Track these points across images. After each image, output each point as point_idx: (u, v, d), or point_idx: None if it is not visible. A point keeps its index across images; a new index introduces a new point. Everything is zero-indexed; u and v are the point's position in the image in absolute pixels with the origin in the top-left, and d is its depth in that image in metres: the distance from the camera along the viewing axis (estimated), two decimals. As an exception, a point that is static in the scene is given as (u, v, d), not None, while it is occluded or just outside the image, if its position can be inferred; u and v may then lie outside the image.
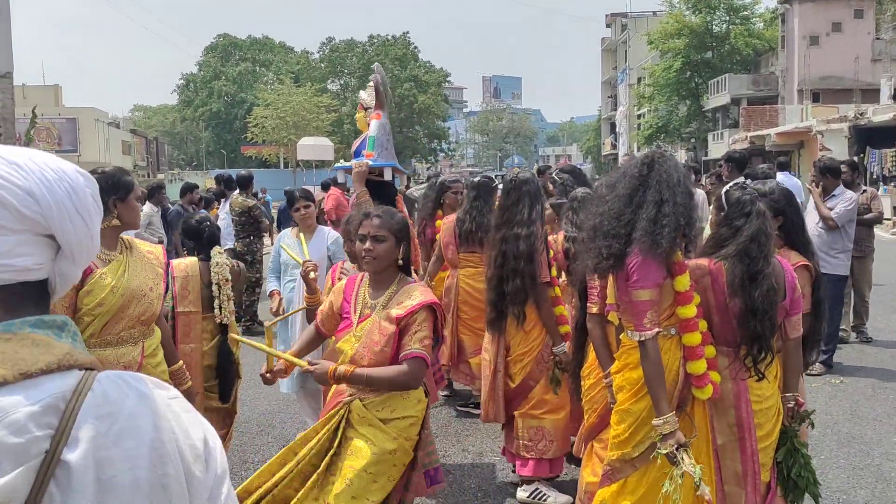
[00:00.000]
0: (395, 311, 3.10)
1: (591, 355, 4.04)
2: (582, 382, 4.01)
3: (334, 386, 3.28)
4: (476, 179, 6.03)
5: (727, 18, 48.36)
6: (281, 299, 5.44)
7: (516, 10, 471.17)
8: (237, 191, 10.02)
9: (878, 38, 42.27)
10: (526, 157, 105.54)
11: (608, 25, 74.83)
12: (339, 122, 55.59)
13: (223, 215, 10.43)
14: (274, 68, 67.03)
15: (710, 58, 48.30)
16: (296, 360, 3.22)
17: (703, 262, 3.26)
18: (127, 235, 3.48)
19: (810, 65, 41.64)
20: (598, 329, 3.72)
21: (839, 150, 29.04)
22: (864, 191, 8.34)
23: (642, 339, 3.08)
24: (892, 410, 6.10)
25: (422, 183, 15.04)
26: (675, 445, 2.98)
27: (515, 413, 4.62)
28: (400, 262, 3.23)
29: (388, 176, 4.84)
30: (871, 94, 37.70)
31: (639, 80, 60.30)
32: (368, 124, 5.00)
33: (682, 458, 2.96)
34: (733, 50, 47.97)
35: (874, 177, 25.74)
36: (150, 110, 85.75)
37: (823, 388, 6.65)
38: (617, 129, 68.72)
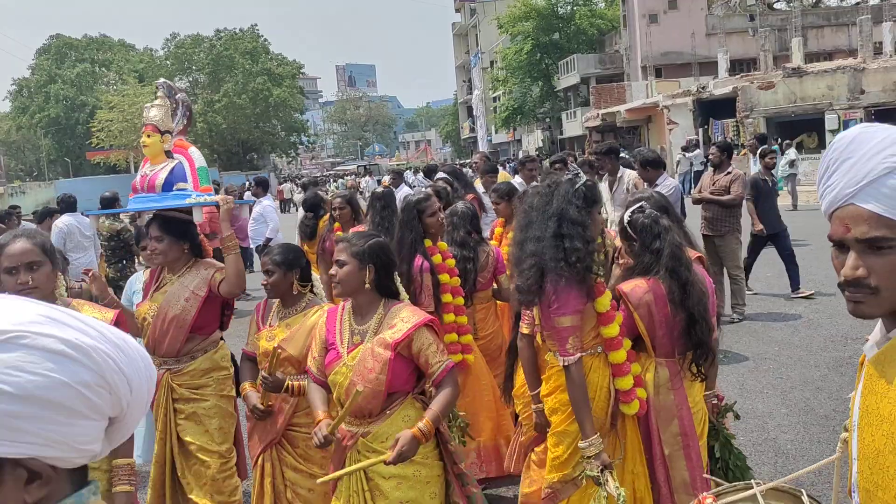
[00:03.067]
0: (390, 336, 3.01)
1: (519, 379, 4.07)
2: (515, 402, 4.05)
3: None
4: (380, 190, 5.99)
5: (570, 0, 50.03)
6: None
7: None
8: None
9: (710, 14, 44.91)
10: (386, 144, 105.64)
11: (457, 10, 75.70)
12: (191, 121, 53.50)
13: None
14: (115, 68, 63.57)
15: (558, 39, 49.86)
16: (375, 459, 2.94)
17: (640, 281, 3.34)
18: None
19: (651, 42, 43.78)
20: (527, 350, 3.72)
21: (685, 123, 30.76)
22: (729, 172, 8.77)
23: (566, 363, 3.16)
24: (777, 381, 6.52)
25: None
26: (601, 467, 3.08)
27: None
28: (367, 285, 3.08)
29: (197, 218, 4.14)
30: (708, 67, 40.08)
31: (491, 63, 61.48)
32: (171, 152, 4.13)
33: (607, 480, 3.06)
34: (579, 31, 49.72)
35: (718, 147, 27.36)
36: (-21, 119, 79.50)
37: (710, 365, 7.01)
38: (474, 113, 69.81)
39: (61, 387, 1.00)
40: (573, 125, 46.18)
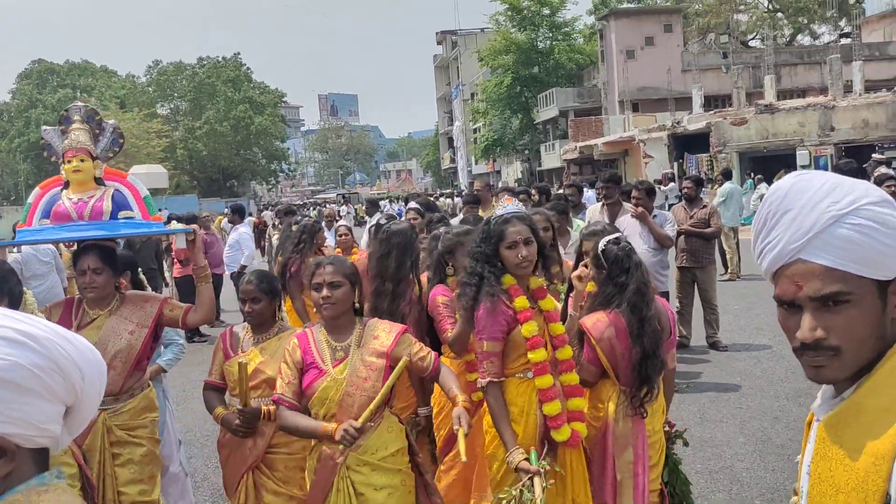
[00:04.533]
0: (380, 345, 3.23)
1: (436, 386, 4.08)
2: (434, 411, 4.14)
3: (318, 453, 3.23)
4: (383, 221, 5.97)
5: (550, 35, 50.74)
6: None
7: (348, 29, 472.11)
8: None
9: (686, 51, 45.77)
10: (367, 173, 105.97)
11: (439, 43, 76.50)
12: (171, 148, 53.59)
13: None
14: (97, 94, 63.40)
15: (537, 73, 50.47)
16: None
17: (602, 315, 3.48)
18: None
19: (628, 77, 44.42)
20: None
21: (660, 157, 31.23)
22: (704, 206, 8.98)
23: (481, 385, 3.34)
24: (736, 411, 6.67)
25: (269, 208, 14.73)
26: (530, 476, 3.11)
27: None
28: (356, 305, 3.32)
29: (180, 244, 4.00)
30: (683, 102, 40.70)
31: (472, 95, 62.09)
32: (101, 179, 3.88)
33: (533, 485, 3.09)
34: (558, 65, 50.35)
35: (693, 180, 27.76)
36: (-43, 143, 79.05)
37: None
38: (455, 144, 70.32)
39: (17, 368, 1.16)
40: (552, 157, 46.66)
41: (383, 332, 3.27)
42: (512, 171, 56.45)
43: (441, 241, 4.20)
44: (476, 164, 63.18)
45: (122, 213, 3.81)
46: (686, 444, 4.00)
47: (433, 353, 3.32)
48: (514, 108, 51.56)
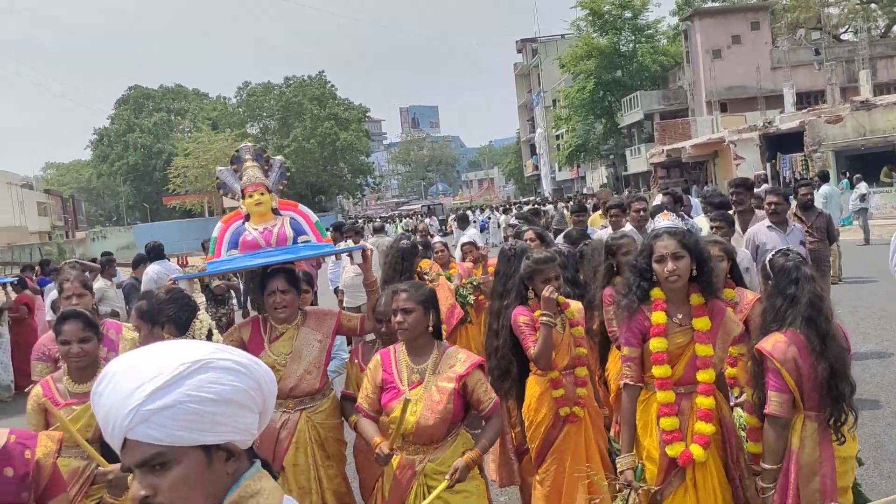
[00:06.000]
0: (453, 371, 3.44)
1: (527, 395, 4.24)
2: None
3: (396, 459, 3.48)
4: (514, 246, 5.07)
5: (633, 38, 50.12)
6: None
7: (427, 41, 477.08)
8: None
9: (775, 48, 44.52)
10: (449, 183, 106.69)
11: (519, 51, 76.59)
12: (262, 166, 55.23)
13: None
14: (190, 116, 66.29)
15: (621, 76, 49.91)
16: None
17: (780, 336, 3.32)
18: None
19: (715, 77, 43.49)
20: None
21: (752, 158, 30.43)
22: (819, 213, 8.60)
23: (619, 385, 3.61)
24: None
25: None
26: (627, 482, 3.39)
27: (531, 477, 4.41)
28: (430, 328, 3.50)
29: (357, 260, 4.48)
30: (774, 100, 39.64)
31: (554, 101, 61.84)
32: (277, 209, 4.30)
33: (627, 497, 3.36)
34: (642, 67, 49.69)
35: (787, 181, 27.05)
36: (63, 167, 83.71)
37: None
38: (537, 151, 70.18)
39: (239, 391, 1.46)
40: (638, 161, 46.07)
41: (459, 362, 3.46)
42: (597, 177, 55.95)
43: (522, 268, 4.24)
44: (560, 170, 62.88)
45: (300, 238, 4.25)
46: (861, 463, 3.77)
47: (495, 400, 3.47)
48: (597, 112, 51.14)
